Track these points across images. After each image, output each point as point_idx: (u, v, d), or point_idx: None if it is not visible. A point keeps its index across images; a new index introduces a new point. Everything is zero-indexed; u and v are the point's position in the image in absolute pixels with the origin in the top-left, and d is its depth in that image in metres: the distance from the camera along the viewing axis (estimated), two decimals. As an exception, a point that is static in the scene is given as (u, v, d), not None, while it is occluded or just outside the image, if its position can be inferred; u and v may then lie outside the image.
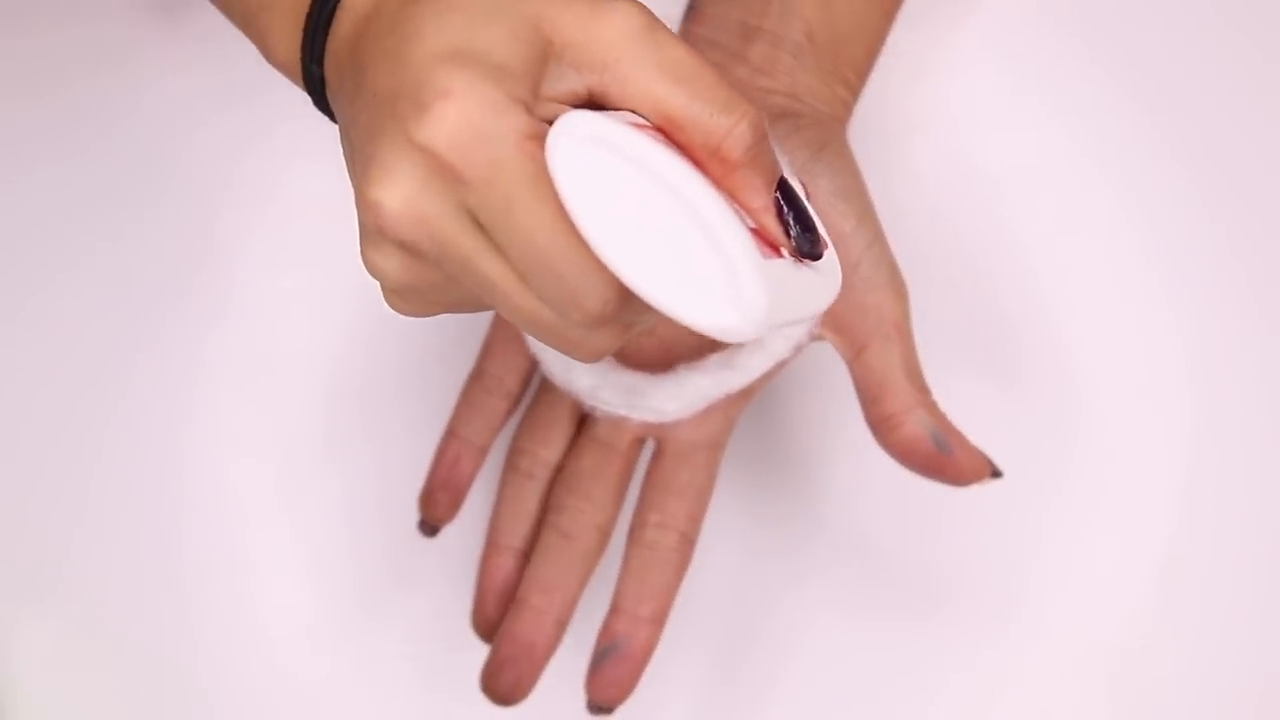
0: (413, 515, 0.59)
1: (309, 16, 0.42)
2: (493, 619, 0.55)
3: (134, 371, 0.64)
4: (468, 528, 0.60)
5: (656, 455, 0.55)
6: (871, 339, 0.53)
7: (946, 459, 0.53)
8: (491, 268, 0.37)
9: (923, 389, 0.54)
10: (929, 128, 0.63)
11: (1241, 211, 0.62)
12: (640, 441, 0.55)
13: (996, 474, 0.54)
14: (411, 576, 0.63)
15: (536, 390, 0.56)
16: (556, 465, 0.56)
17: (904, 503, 0.62)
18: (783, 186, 0.40)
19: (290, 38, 0.43)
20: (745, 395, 0.55)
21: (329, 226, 0.65)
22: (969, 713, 0.62)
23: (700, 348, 0.54)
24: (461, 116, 0.36)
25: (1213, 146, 0.62)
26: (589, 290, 0.36)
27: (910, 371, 0.54)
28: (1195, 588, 0.61)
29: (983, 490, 0.54)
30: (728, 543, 0.61)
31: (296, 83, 0.44)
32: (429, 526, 0.56)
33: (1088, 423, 0.62)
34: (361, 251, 0.39)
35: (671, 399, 0.53)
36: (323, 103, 0.43)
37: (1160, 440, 0.62)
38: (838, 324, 0.54)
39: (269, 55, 0.44)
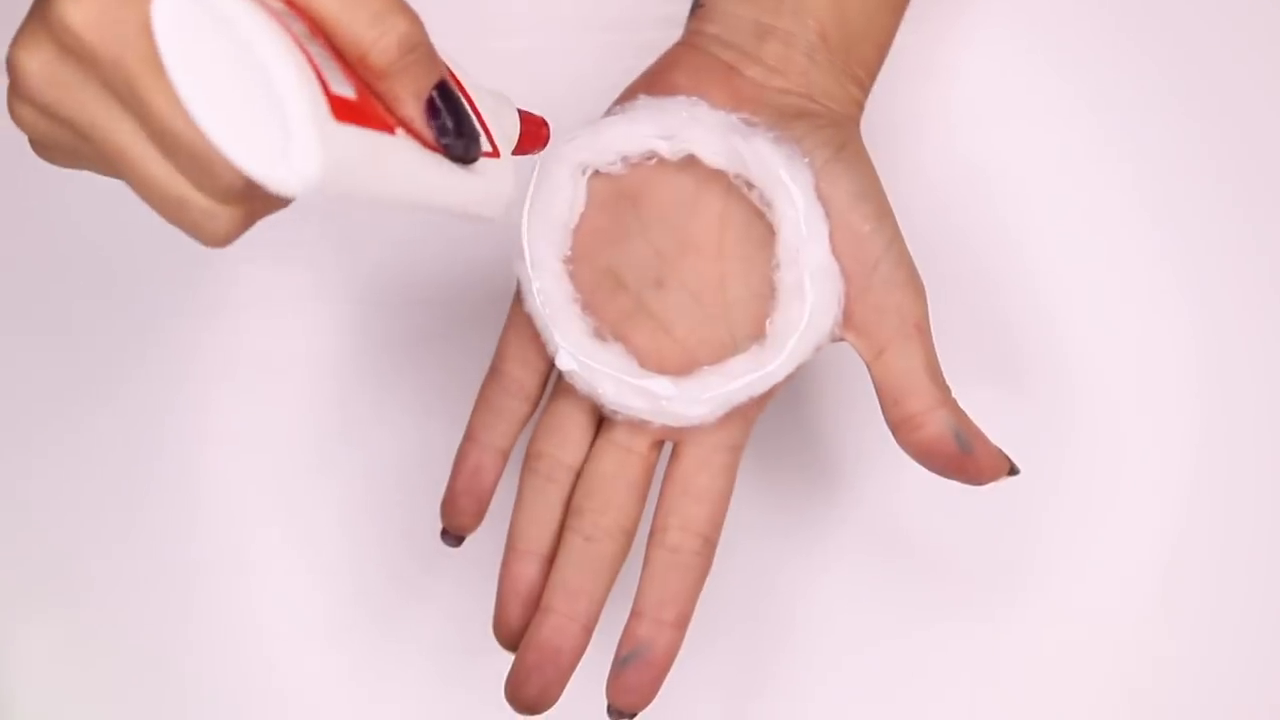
0: (424, 517, 0.58)
1: None
2: (516, 626, 0.54)
3: (136, 371, 0.63)
4: (479, 530, 0.59)
5: (675, 458, 0.55)
6: (892, 340, 0.53)
7: (967, 458, 0.53)
8: (118, 138, 0.40)
9: (944, 388, 0.53)
10: (935, 125, 0.64)
11: (1252, 210, 0.63)
12: (659, 444, 0.55)
13: (1014, 471, 0.54)
14: (425, 581, 0.63)
15: (552, 391, 0.56)
16: (576, 468, 0.55)
17: (919, 500, 0.62)
18: (442, 89, 0.43)
19: None
20: (765, 397, 0.54)
21: (332, 225, 0.64)
22: (983, 707, 0.62)
23: (723, 351, 0.54)
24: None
25: (1223, 144, 0.63)
26: (221, 164, 0.39)
27: (932, 371, 0.53)
28: (1204, 582, 0.62)
29: (997, 487, 0.55)
30: (746, 542, 0.60)
31: None
32: (452, 536, 0.56)
33: (1096, 419, 0.63)
34: (7, 101, 0.42)
35: (696, 404, 0.53)
36: None
37: (1168, 437, 0.62)
38: (858, 325, 0.53)
39: None
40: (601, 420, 0.55)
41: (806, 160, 0.53)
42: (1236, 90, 0.63)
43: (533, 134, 0.51)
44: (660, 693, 0.54)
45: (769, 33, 0.56)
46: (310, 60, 0.40)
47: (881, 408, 0.54)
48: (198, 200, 0.41)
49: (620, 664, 0.53)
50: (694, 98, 0.54)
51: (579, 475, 0.55)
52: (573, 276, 0.55)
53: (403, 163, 0.42)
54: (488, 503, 0.55)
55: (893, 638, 0.62)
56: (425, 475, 0.61)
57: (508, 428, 0.55)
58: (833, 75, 0.56)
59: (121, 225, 0.64)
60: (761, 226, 0.54)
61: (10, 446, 0.64)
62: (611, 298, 0.55)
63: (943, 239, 0.61)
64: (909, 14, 0.59)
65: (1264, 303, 0.62)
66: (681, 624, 0.54)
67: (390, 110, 0.42)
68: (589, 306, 0.55)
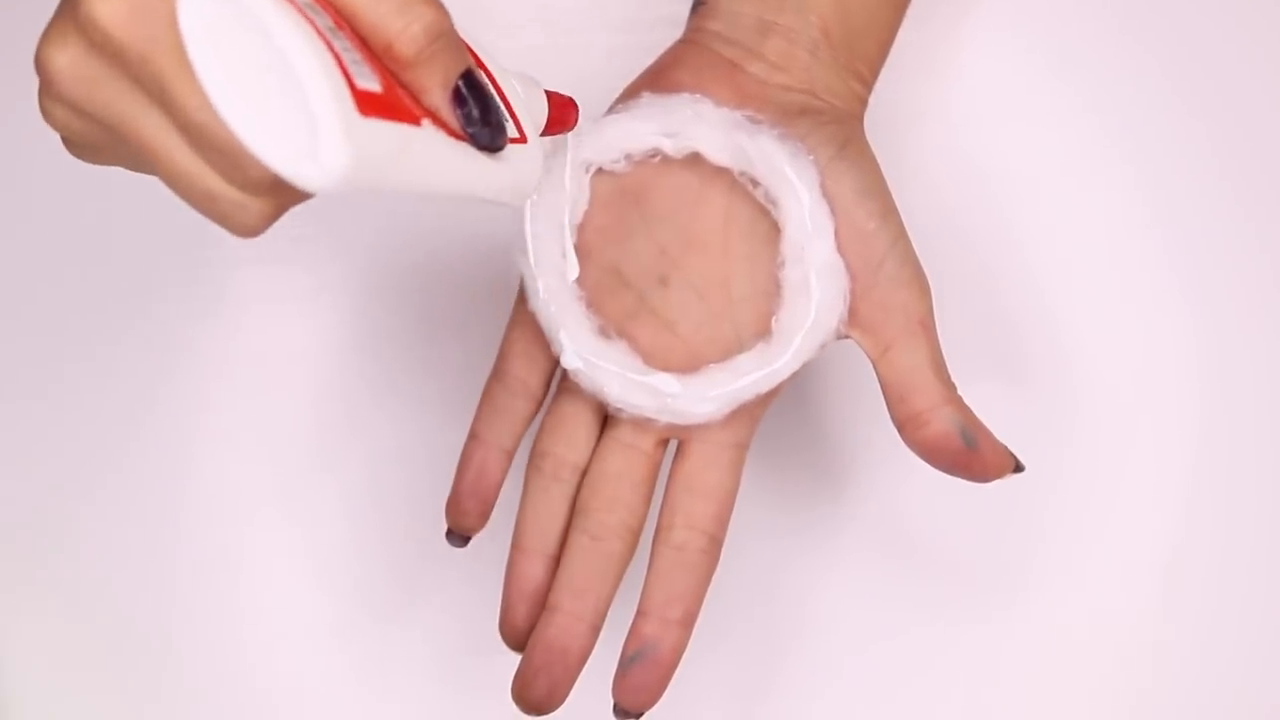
0: (429, 517, 0.58)
1: None
2: (523, 626, 0.54)
3: (136, 369, 0.63)
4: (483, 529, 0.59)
5: (680, 456, 0.54)
6: (898, 337, 0.53)
7: (973, 455, 0.53)
8: (147, 133, 0.40)
9: (950, 385, 0.53)
10: (936, 123, 0.64)
11: (1255, 210, 0.63)
12: (665, 442, 0.55)
13: (1019, 468, 0.54)
14: (430, 581, 0.63)
15: (557, 390, 0.56)
16: (581, 467, 0.55)
17: (924, 497, 0.62)
18: (468, 77, 0.43)
19: None
20: (770, 395, 0.54)
21: (334, 222, 0.64)
22: (990, 705, 0.62)
23: (727, 349, 0.54)
24: None
25: (1226, 143, 0.63)
26: (249, 159, 0.39)
27: (937, 368, 0.53)
28: (1208, 581, 0.62)
29: (1002, 484, 0.54)
30: (750, 540, 0.60)
31: None
32: (458, 536, 0.55)
33: (1098, 417, 0.63)
34: (38, 99, 0.42)
35: (702, 402, 0.53)
36: None
37: (1171, 435, 0.62)
38: (863, 323, 0.53)
39: None
40: (606, 418, 0.55)
41: (811, 157, 0.53)
42: (1239, 89, 0.63)
43: (561, 115, 0.51)
44: (666, 692, 0.54)
45: (771, 29, 0.56)
46: (336, 55, 0.40)
47: (887, 405, 0.54)
48: (227, 193, 0.41)
49: (626, 663, 0.53)
50: (697, 95, 0.54)
51: (584, 474, 0.55)
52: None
53: (429, 154, 0.43)
54: (493, 503, 0.55)
55: (899, 636, 0.62)
56: (429, 475, 0.60)
57: (512, 427, 0.55)
58: (835, 71, 0.56)
59: (123, 224, 0.64)
60: (766, 224, 0.54)
61: (9, 445, 0.64)
62: (615, 295, 0.55)
63: (945, 237, 0.61)
64: (911, 11, 0.59)
65: (1266, 301, 0.63)
66: (688, 622, 0.53)
67: (416, 100, 0.43)
68: (593, 304, 0.55)
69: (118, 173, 0.63)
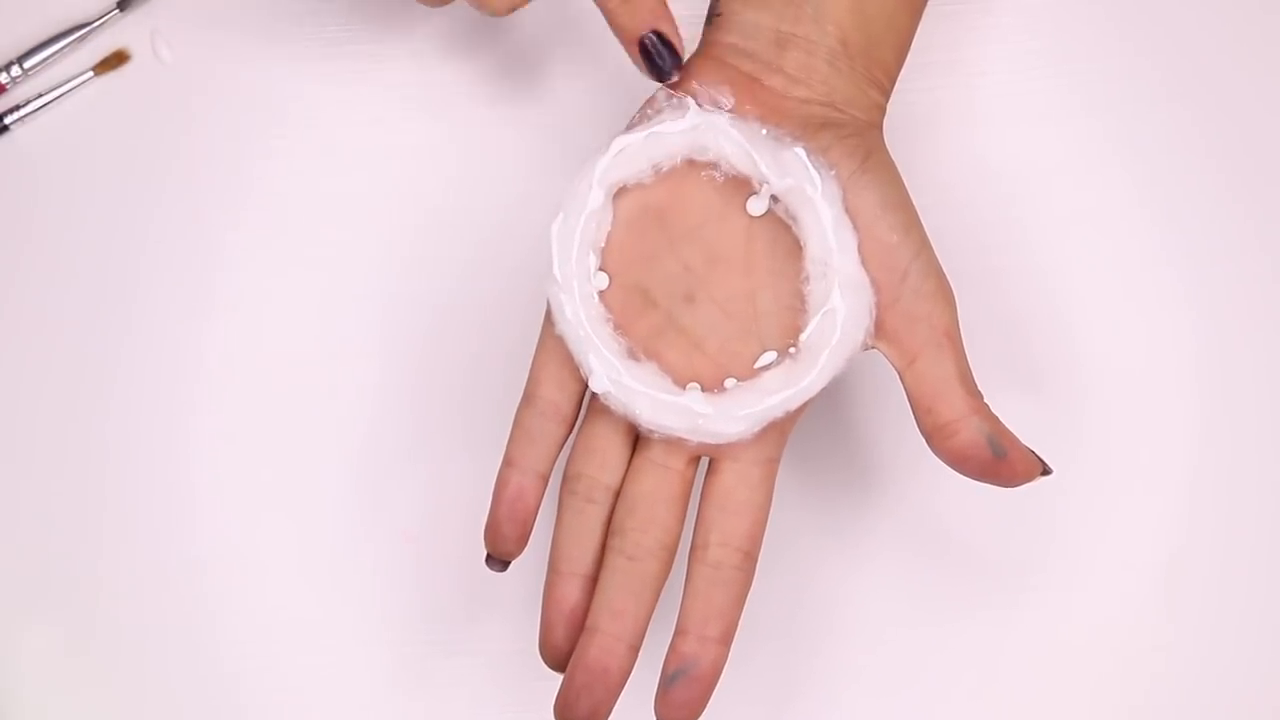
0: (466, 541, 0.58)
1: None
2: (563, 647, 0.54)
3: (139, 372, 0.64)
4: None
5: (713, 474, 0.55)
6: (923, 348, 0.54)
7: (1001, 463, 0.54)
8: None
9: (976, 394, 0.54)
10: (948, 125, 0.64)
11: (1265, 211, 0.63)
12: (696, 460, 0.55)
13: (1046, 472, 0.54)
14: (471, 604, 0.63)
15: (588, 411, 0.56)
16: (614, 488, 0.55)
17: (952, 501, 0.62)
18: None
19: None
20: (799, 410, 0.55)
21: (357, 241, 0.64)
22: (1023, 704, 0.63)
23: (754, 364, 0.54)
24: None
25: (1236, 145, 0.63)
26: None
27: (964, 378, 0.54)
28: (1218, 582, 0.63)
29: (1030, 487, 0.55)
30: (780, 548, 0.61)
31: None
32: (498, 562, 0.56)
33: (1107, 418, 0.63)
34: None
35: (732, 421, 0.53)
36: None
37: (1176, 438, 0.63)
38: (888, 335, 0.54)
39: None
40: (638, 438, 0.55)
41: (833, 172, 0.54)
42: (1256, 93, 0.63)
43: None
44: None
45: (789, 41, 0.55)
46: None
47: (914, 415, 0.54)
48: None
49: (668, 681, 0.54)
50: (718, 110, 0.55)
51: (618, 494, 0.55)
52: (603, 296, 0.55)
53: None
54: (531, 526, 0.55)
55: (922, 636, 0.62)
56: (465, 499, 0.60)
57: (545, 451, 0.55)
58: (854, 82, 0.56)
59: (124, 226, 0.64)
60: (789, 238, 0.54)
61: (13, 447, 0.64)
62: (642, 315, 0.55)
63: (958, 238, 0.61)
64: (926, 13, 0.59)
65: (1276, 303, 0.63)
66: (726, 639, 0.54)
67: None
68: (620, 325, 0.55)
69: (119, 174, 0.64)
